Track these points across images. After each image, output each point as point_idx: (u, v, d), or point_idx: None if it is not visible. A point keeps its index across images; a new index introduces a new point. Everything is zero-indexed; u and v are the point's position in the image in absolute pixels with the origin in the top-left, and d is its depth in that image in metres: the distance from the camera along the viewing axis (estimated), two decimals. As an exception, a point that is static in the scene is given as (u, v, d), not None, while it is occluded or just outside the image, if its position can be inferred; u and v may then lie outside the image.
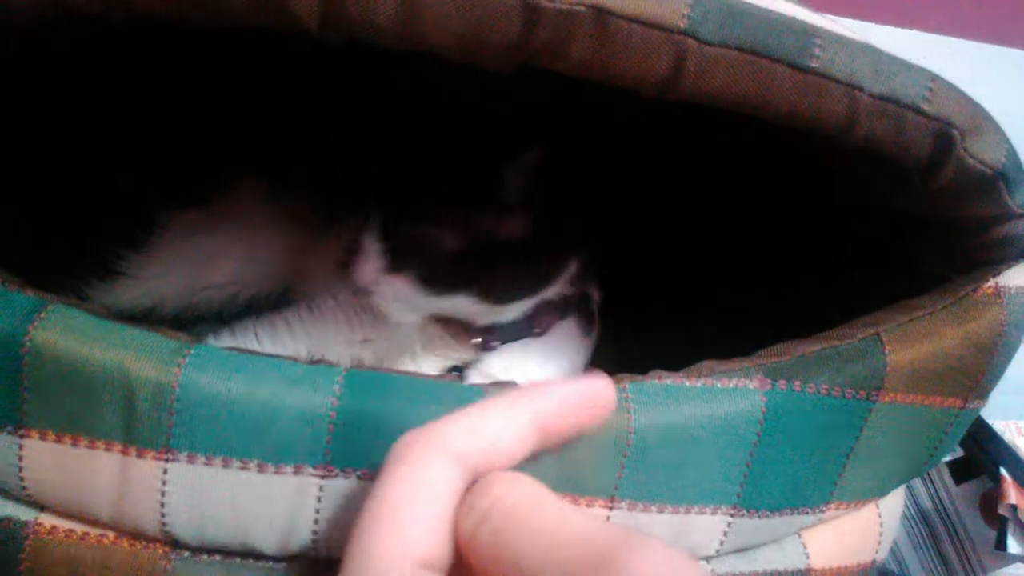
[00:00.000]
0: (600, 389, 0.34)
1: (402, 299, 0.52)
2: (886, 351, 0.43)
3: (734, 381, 0.41)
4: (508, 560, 0.27)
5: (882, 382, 0.42)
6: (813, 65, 0.38)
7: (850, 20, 0.87)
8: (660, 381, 0.41)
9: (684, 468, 0.40)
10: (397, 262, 0.51)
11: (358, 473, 0.37)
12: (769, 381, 0.41)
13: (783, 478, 0.42)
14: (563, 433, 0.33)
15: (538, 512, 0.28)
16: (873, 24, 0.84)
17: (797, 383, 0.41)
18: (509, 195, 0.50)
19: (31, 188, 0.53)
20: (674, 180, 0.64)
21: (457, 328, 0.55)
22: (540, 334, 0.58)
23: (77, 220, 0.57)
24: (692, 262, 0.66)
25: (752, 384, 0.41)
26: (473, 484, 0.31)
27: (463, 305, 0.53)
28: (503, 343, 0.57)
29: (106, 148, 0.58)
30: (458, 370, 0.56)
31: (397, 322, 0.52)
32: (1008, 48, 0.91)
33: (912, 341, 0.43)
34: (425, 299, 0.52)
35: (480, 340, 0.56)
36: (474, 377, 0.56)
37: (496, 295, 0.53)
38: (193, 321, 0.60)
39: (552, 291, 0.56)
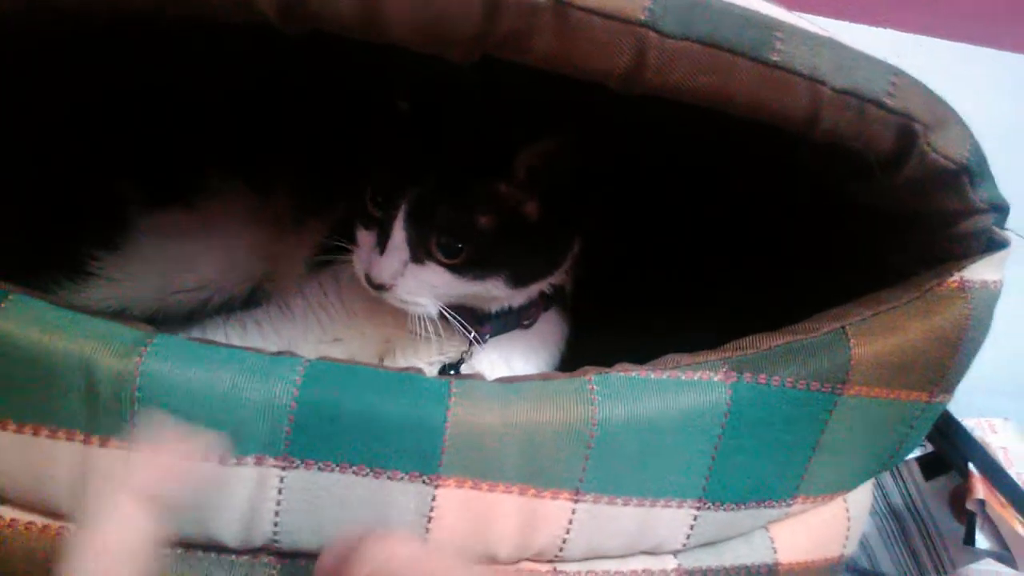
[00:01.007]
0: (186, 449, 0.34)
1: (428, 290, 0.50)
2: (851, 344, 0.43)
3: (699, 374, 0.41)
4: None
5: (847, 375, 0.43)
6: (774, 59, 0.38)
7: (825, 19, 0.87)
8: (626, 373, 0.41)
9: (649, 460, 0.40)
10: (423, 251, 0.50)
11: (319, 464, 0.37)
12: (734, 374, 0.41)
13: (749, 471, 0.42)
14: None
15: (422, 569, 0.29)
16: (849, 23, 0.84)
17: (762, 376, 0.41)
18: (527, 178, 0.50)
19: (2, 185, 0.52)
20: (640, 169, 0.64)
21: (448, 324, 0.54)
22: (528, 326, 0.58)
23: (50, 218, 0.57)
24: (659, 253, 0.66)
25: (717, 377, 0.41)
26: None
27: (492, 289, 0.52)
28: (493, 335, 0.56)
29: (82, 146, 0.58)
30: (451, 368, 0.55)
31: (415, 316, 0.51)
32: (981, 47, 0.92)
33: (877, 335, 0.44)
34: (457, 285, 0.51)
35: (475, 334, 0.55)
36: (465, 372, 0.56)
37: (522, 277, 0.53)
38: (162, 321, 0.60)
39: (556, 277, 0.57)
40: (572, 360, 0.59)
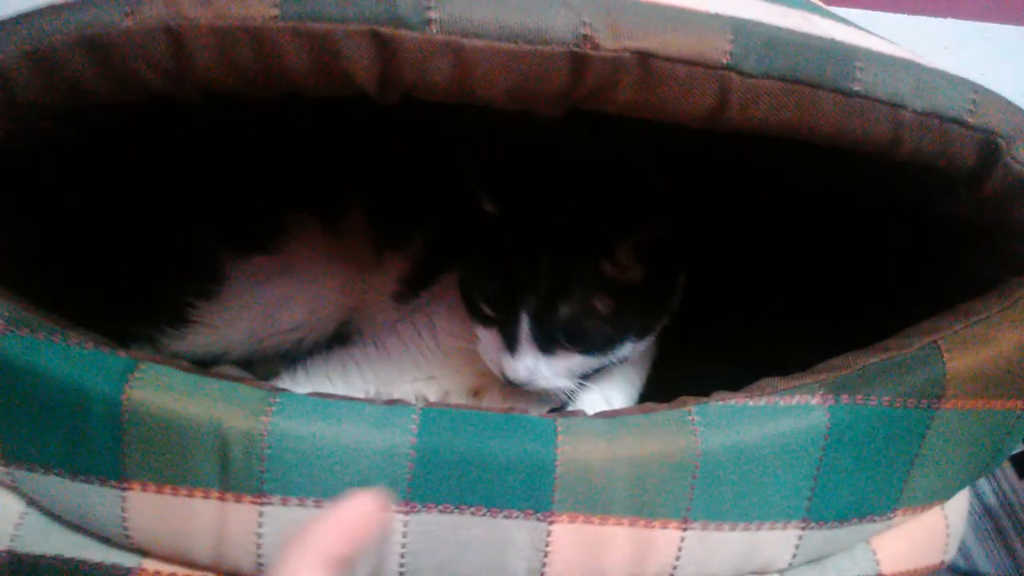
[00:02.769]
0: (358, 508, 0.34)
1: (565, 373, 0.53)
2: (945, 359, 0.43)
3: (796, 398, 0.42)
4: None
5: (943, 390, 0.43)
6: (856, 88, 0.38)
7: (884, 14, 0.87)
8: (724, 402, 0.42)
9: (753, 486, 0.41)
10: (551, 343, 0.52)
11: (439, 508, 0.39)
12: (831, 396, 0.42)
13: (850, 489, 0.43)
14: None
15: None
16: (906, 16, 0.84)
17: (859, 396, 0.42)
18: (632, 254, 0.52)
19: (107, 245, 0.55)
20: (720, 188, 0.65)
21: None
22: (623, 360, 0.59)
23: (152, 273, 0.60)
24: (735, 268, 0.67)
25: (814, 400, 0.42)
26: None
27: (622, 351, 0.55)
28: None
29: (167, 202, 0.61)
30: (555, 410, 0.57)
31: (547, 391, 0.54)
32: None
33: (970, 347, 0.44)
34: (591, 361, 0.54)
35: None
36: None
37: (647, 330, 0.56)
38: (260, 362, 0.63)
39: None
40: (655, 376, 0.61)
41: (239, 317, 0.62)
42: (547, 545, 0.40)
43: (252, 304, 0.62)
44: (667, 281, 0.56)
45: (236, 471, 0.39)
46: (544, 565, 0.40)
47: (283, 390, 0.41)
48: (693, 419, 0.41)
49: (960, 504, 0.50)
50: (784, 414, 0.41)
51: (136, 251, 0.60)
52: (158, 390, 0.39)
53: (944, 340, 0.44)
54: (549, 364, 0.52)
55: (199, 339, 0.61)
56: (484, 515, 0.39)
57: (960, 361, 0.43)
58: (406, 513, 0.39)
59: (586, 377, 0.56)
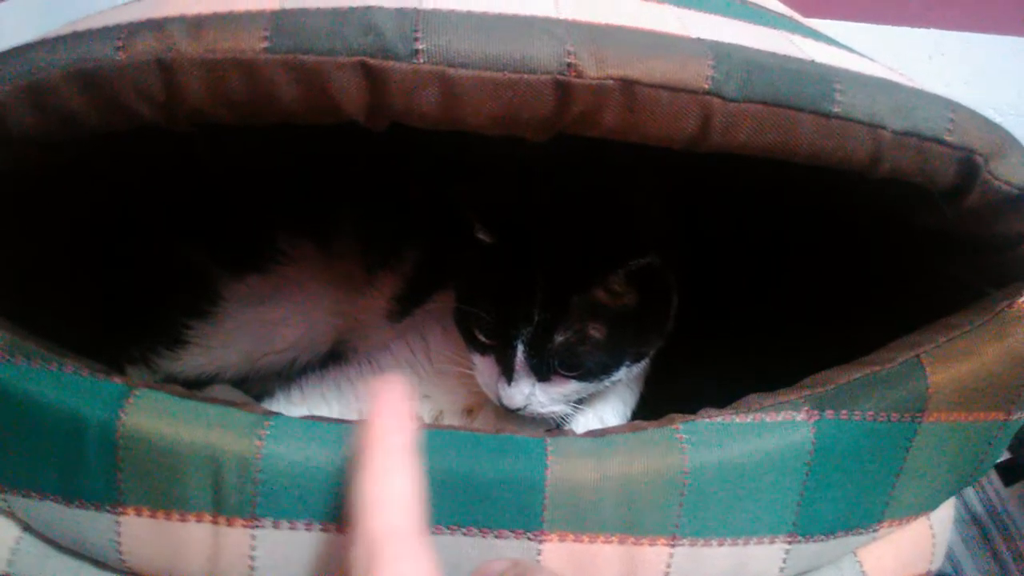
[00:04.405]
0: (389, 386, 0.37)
1: (561, 399, 0.54)
2: (927, 372, 0.44)
3: (782, 414, 0.43)
4: None
5: (925, 404, 0.44)
6: (835, 110, 0.39)
7: (866, 24, 0.88)
8: (711, 419, 0.43)
9: (740, 501, 0.42)
10: (547, 371, 0.53)
11: (432, 529, 0.39)
12: (816, 412, 0.43)
13: (836, 503, 0.44)
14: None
15: None
16: (890, 27, 0.85)
17: (844, 412, 0.43)
18: (625, 281, 0.52)
19: (102, 268, 0.56)
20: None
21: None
22: (616, 380, 0.60)
23: (145, 294, 0.61)
24: (720, 283, 0.68)
25: (800, 416, 0.42)
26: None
27: (617, 375, 0.55)
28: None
29: (161, 222, 0.62)
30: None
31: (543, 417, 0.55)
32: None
33: (952, 361, 0.45)
34: (587, 387, 0.54)
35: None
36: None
37: (642, 353, 0.57)
38: (256, 381, 0.63)
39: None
40: (644, 392, 0.61)
41: (234, 338, 0.62)
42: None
43: (247, 324, 0.63)
44: (661, 304, 0.57)
45: (229, 495, 0.39)
46: (535, 584, 0.40)
47: (276, 414, 0.41)
48: (680, 436, 0.41)
49: (946, 513, 0.51)
50: (770, 430, 0.42)
51: (131, 273, 0.61)
52: (152, 416, 0.40)
53: (926, 354, 0.45)
54: (545, 391, 0.53)
55: (194, 360, 0.61)
56: (475, 535, 0.40)
57: (942, 375, 0.44)
58: (401, 535, 0.39)
59: (580, 401, 0.56)
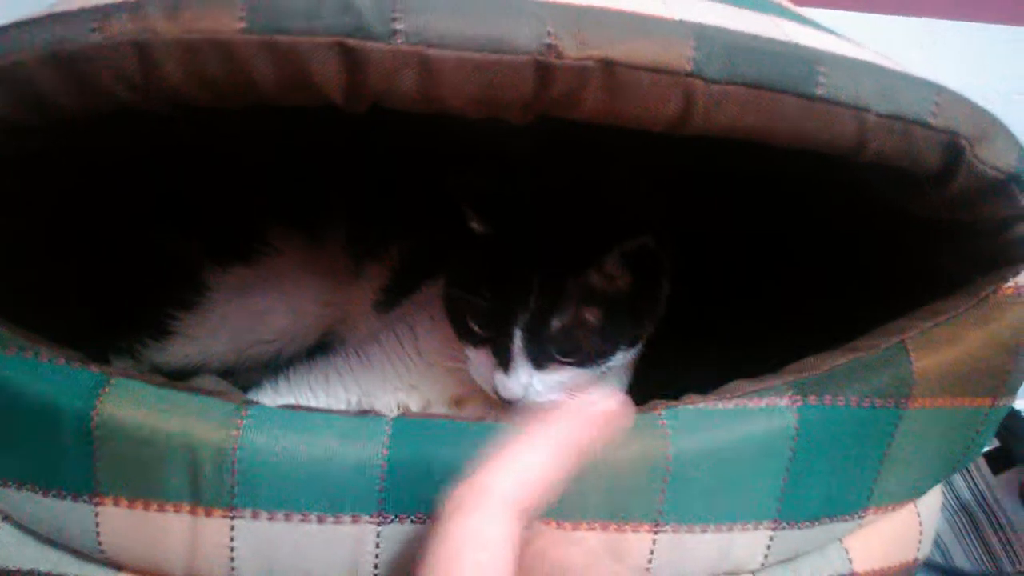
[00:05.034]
0: (614, 407, 0.36)
1: (558, 386, 0.53)
2: (912, 358, 0.44)
3: (765, 400, 0.42)
4: None
5: (910, 389, 0.44)
6: (819, 92, 0.39)
7: (856, 13, 0.88)
8: (694, 405, 0.42)
9: (724, 488, 0.41)
10: (544, 359, 0.52)
11: (412, 518, 0.39)
12: (799, 397, 0.42)
13: (820, 489, 0.44)
14: (592, 450, 0.35)
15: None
16: (880, 16, 0.84)
17: (827, 397, 0.43)
18: (619, 263, 0.52)
19: (86, 258, 0.55)
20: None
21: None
22: (613, 365, 0.59)
23: (130, 284, 0.60)
24: (706, 268, 0.67)
25: (783, 402, 0.42)
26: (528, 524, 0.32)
27: (614, 360, 0.55)
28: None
29: (147, 212, 0.61)
30: None
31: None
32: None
33: (937, 346, 0.44)
34: (584, 373, 0.54)
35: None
36: None
37: (637, 337, 0.56)
38: (242, 372, 0.63)
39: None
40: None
41: (220, 328, 0.62)
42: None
43: (233, 315, 0.62)
44: (654, 288, 0.56)
45: (207, 485, 0.39)
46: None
47: (254, 403, 0.41)
48: (663, 423, 0.41)
49: (933, 501, 0.51)
50: (753, 416, 0.42)
51: (116, 264, 0.60)
52: (129, 405, 0.39)
53: (911, 340, 0.44)
54: (542, 379, 0.52)
55: (180, 350, 0.61)
56: (458, 523, 0.39)
57: (927, 360, 0.44)
58: (378, 524, 0.39)
59: (575, 391, 0.56)
